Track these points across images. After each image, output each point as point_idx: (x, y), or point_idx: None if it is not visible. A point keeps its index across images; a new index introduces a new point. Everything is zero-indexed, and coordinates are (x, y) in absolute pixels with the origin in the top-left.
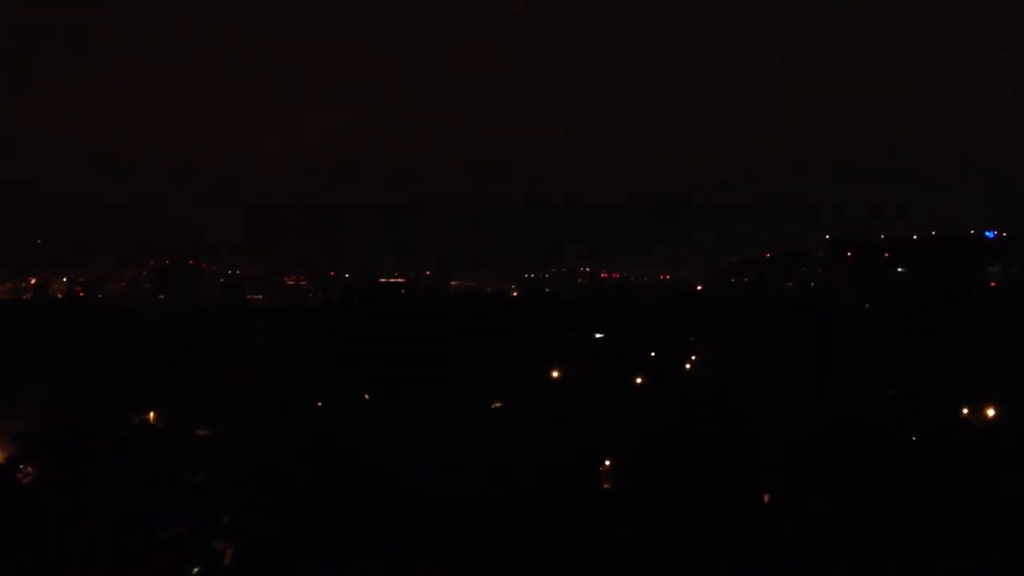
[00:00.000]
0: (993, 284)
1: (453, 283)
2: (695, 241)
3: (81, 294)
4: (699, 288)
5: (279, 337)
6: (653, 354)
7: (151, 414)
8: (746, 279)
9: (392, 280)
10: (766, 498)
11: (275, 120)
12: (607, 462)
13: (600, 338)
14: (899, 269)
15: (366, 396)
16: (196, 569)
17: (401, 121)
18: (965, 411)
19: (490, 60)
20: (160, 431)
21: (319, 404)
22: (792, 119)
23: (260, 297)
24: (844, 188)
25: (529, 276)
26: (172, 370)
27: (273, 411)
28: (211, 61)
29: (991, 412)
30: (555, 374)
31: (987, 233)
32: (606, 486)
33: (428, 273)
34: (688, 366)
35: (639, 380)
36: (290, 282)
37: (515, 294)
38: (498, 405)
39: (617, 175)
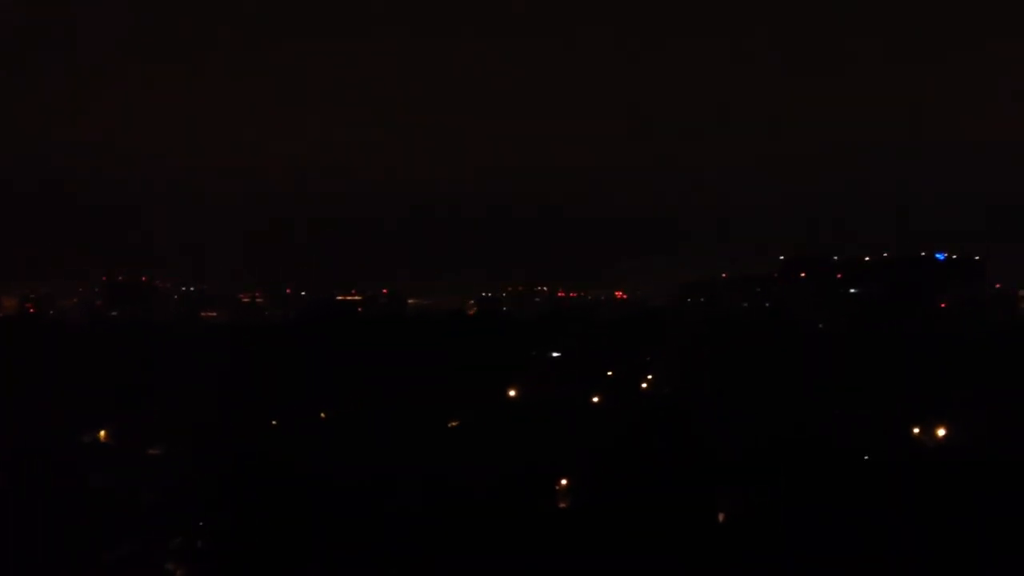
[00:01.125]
0: (943, 305)
1: (411, 301)
2: (652, 261)
3: (32, 310)
4: (656, 308)
5: (234, 355)
6: (610, 373)
7: (102, 432)
8: (702, 299)
9: (349, 298)
10: (721, 517)
11: (224, 141)
12: (564, 481)
13: (558, 357)
14: (852, 290)
15: (322, 415)
16: None
17: (355, 141)
18: (916, 430)
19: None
20: (111, 450)
21: (274, 423)
22: (749, 144)
23: (215, 314)
24: (800, 210)
25: (487, 295)
26: (124, 388)
27: (227, 430)
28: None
29: (941, 432)
30: (513, 393)
31: (938, 255)
32: (563, 505)
33: (385, 291)
34: (645, 385)
35: (596, 399)
36: (245, 299)
37: (472, 313)
38: (455, 424)
39: (576, 196)
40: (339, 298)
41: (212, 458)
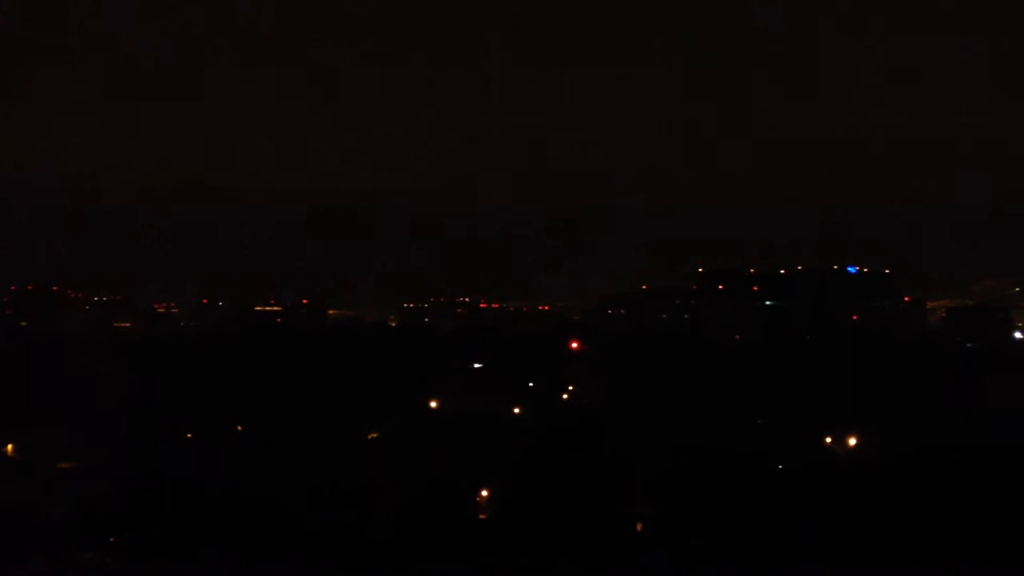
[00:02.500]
0: (855, 317)
1: (331, 312)
2: (574, 274)
3: None
4: (577, 320)
5: (148, 366)
6: (531, 384)
7: (9, 447)
8: (623, 311)
9: (268, 309)
10: (639, 527)
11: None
12: (484, 492)
13: (479, 368)
14: (767, 302)
15: (239, 427)
16: None
17: (270, 149)
18: (828, 439)
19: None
20: (18, 464)
21: (189, 436)
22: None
23: (128, 325)
24: (718, 223)
25: (408, 306)
26: (32, 400)
27: (140, 444)
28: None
29: (852, 441)
30: (434, 404)
31: (849, 268)
32: (483, 516)
33: (305, 302)
34: (565, 396)
35: (517, 410)
36: (160, 309)
37: (394, 324)
38: (375, 435)
39: (496, 207)
40: (258, 308)
41: (124, 473)
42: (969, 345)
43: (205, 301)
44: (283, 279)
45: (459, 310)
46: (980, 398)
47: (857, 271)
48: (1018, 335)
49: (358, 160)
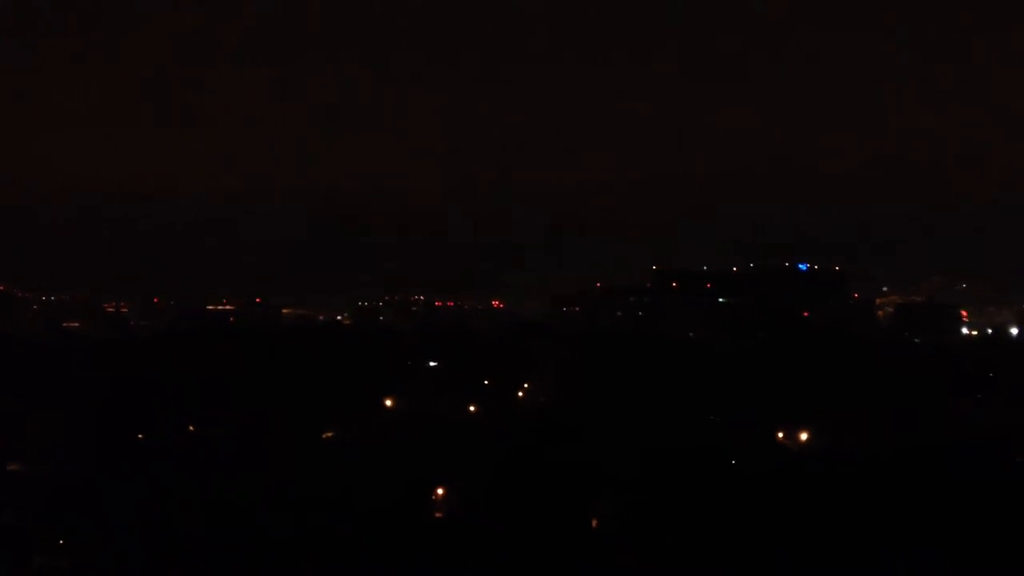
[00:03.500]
0: (806, 314)
1: (285, 311)
2: (529, 272)
3: None
4: (532, 318)
5: (99, 367)
6: (487, 382)
7: None
8: (578, 309)
9: (221, 308)
10: (594, 523)
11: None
12: (440, 491)
13: (434, 366)
14: (720, 300)
15: (191, 428)
16: None
17: (220, 146)
18: (781, 435)
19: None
20: None
21: (140, 436)
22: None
23: (77, 324)
24: (672, 221)
25: (363, 304)
26: None
27: (91, 444)
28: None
29: (804, 436)
30: (388, 403)
31: (800, 266)
32: (438, 515)
33: (259, 301)
34: (521, 394)
35: (473, 408)
36: (110, 309)
37: (349, 323)
38: (329, 435)
39: (450, 204)
40: (210, 308)
41: (75, 475)
42: (917, 341)
43: (156, 301)
44: (236, 278)
45: (414, 309)
46: (927, 393)
47: (808, 269)
48: (965, 331)
49: (318, 157)
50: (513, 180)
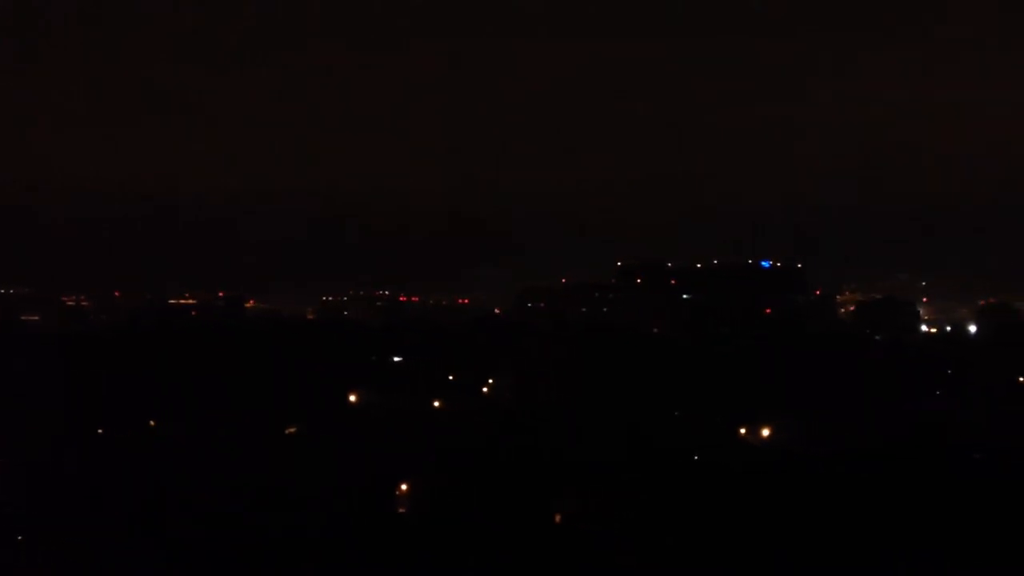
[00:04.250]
0: (768, 310)
1: (248, 305)
2: (495, 267)
3: None
4: (498, 313)
5: (58, 361)
6: (452, 377)
7: None
8: (542, 304)
9: (183, 302)
10: (557, 518)
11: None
12: (404, 486)
13: (399, 362)
14: (684, 296)
15: (152, 423)
16: None
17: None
18: (743, 431)
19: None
20: None
21: (100, 432)
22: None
23: (37, 318)
24: (637, 217)
25: (327, 299)
26: None
27: (49, 439)
28: None
29: (766, 432)
30: (353, 398)
31: (763, 263)
32: (402, 510)
33: (222, 295)
34: (486, 389)
35: (437, 404)
36: (70, 303)
37: (313, 317)
38: (292, 430)
39: (414, 199)
40: (172, 302)
41: (32, 470)
42: (877, 337)
43: (118, 294)
44: (199, 272)
45: (378, 303)
46: (886, 390)
47: (771, 265)
48: (924, 328)
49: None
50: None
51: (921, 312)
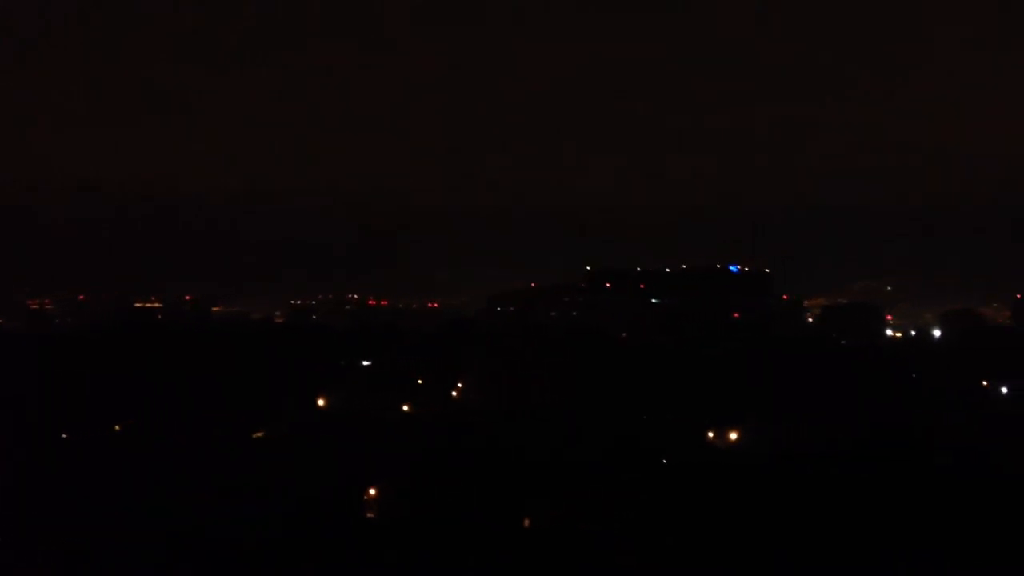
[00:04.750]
0: (736, 315)
1: (216, 309)
2: (465, 271)
3: None
4: (467, 317)
5: (20, 364)
6: (421, 381)
7: None
8: (512, 308)
9: (149, 305)
10: (526, 522)
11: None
12: (372, 491)
13: (368, 365)
14: (653, 300)
15: (117, 427)
16: None
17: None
18: (711, 434)
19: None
20: None
21: (64, 436)
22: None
23: (0, 322)
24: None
25: (296, 303)
26: None
27: (12, 442)
28: None
29: (733, 435)
30: (321, 402)
31: (732, 268)
32: (370, 515)
33: (189, 298)
34: (455, 393)
35: (407, 407)
36: (34, 306)
37: (281, 321)
38: (260, 434)
39: (383, 203)
40: (138, 305)
41: None
42: (844, 342)
43: (82, 297)
44: (166, 275)
45: (348, 307)
46: (852, 393)
47: (739, 271)
48: (889, 332)
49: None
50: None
51: (887, 317)
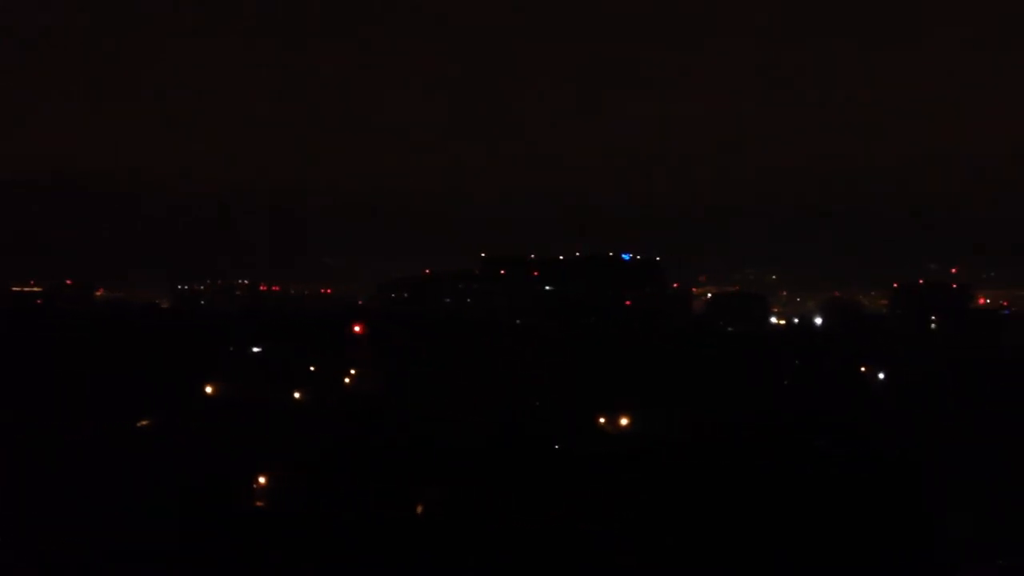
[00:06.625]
0: (628, 302)
1: (98, 293)
2: (359, 256)
3: None
4: (360, 303)
5: None
6: (313, 368)
7: None
8: (406, 295)
9: (27, 290)
10: (419, 509)
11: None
12: (262, 479)
13: (258, 352)
14: (547, 287)
15: None
16: None
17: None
18: (602, 420)
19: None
20: None
21: None
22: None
23: None
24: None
25: (183, 288)
26: None
27: None
28: None
29: (624, 421)
30: (209, 389)
31: (623, 256)
32: (259, 504)
33: (69, 282)
34: (348, 380)
35: (298, 395)
36: None
37: (167, 306)
38: (145, 423)
39: (278, 187)
40: (15, 289)
41: None
42: (730, 329)
43: None
44: (45, 258)
45: (238, 293)
46: (738, 378)
47: (630, 258)
48: (774, 320)
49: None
50: (343, 164)
51: (771, 305)
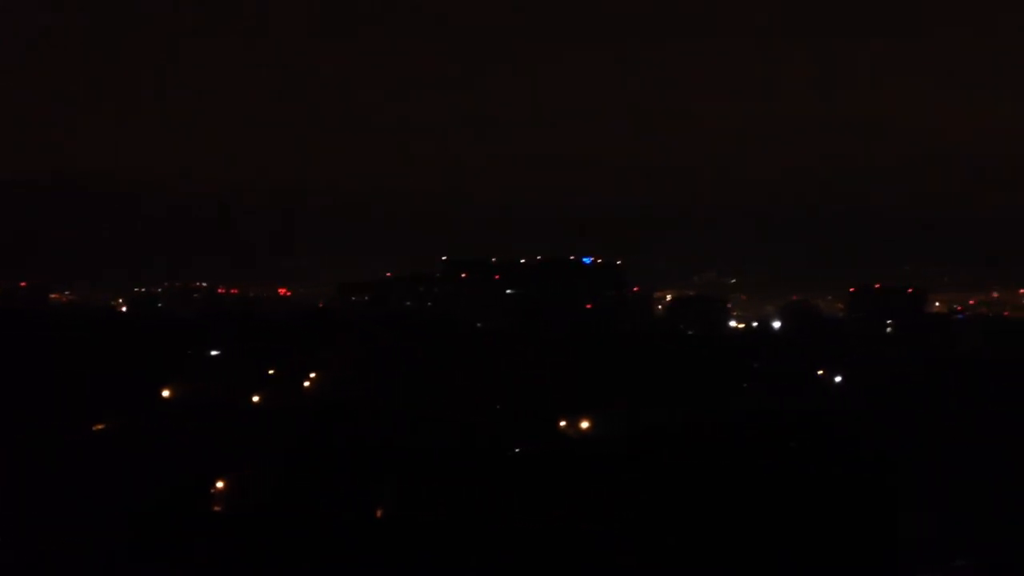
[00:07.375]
0: (589, 306)
1: (53, 296)
2: (318, 259)
3: None
4: (320, 306)
5: None
6: (272, 372)
7: None
8: (367, 297)
9: None
10: (379, 513)
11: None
12: (220, 483)
13: (216, 355)
14: (508, 291)
15: None
16: None
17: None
18: (563, 423)
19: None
20: None
21: None
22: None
23: None
24: (462, 213)
25: (140, 290)
26: None
27: None
28: None
29: (584, 424)
30: (166, 392)
31: (584, 259)
32: (217, 508)
33: (23, 284)
34: (307, 383)
35: (257, 398)
36: None
37: (124, 309)
38: (100, 427)
39: (236, 189)
40: None
41: None
42: (690, 332)
43: None
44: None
45: (195, 295)
46: (697, 382)
47: (592, 262)
48: (733, 323)
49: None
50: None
51: (730, 309)
